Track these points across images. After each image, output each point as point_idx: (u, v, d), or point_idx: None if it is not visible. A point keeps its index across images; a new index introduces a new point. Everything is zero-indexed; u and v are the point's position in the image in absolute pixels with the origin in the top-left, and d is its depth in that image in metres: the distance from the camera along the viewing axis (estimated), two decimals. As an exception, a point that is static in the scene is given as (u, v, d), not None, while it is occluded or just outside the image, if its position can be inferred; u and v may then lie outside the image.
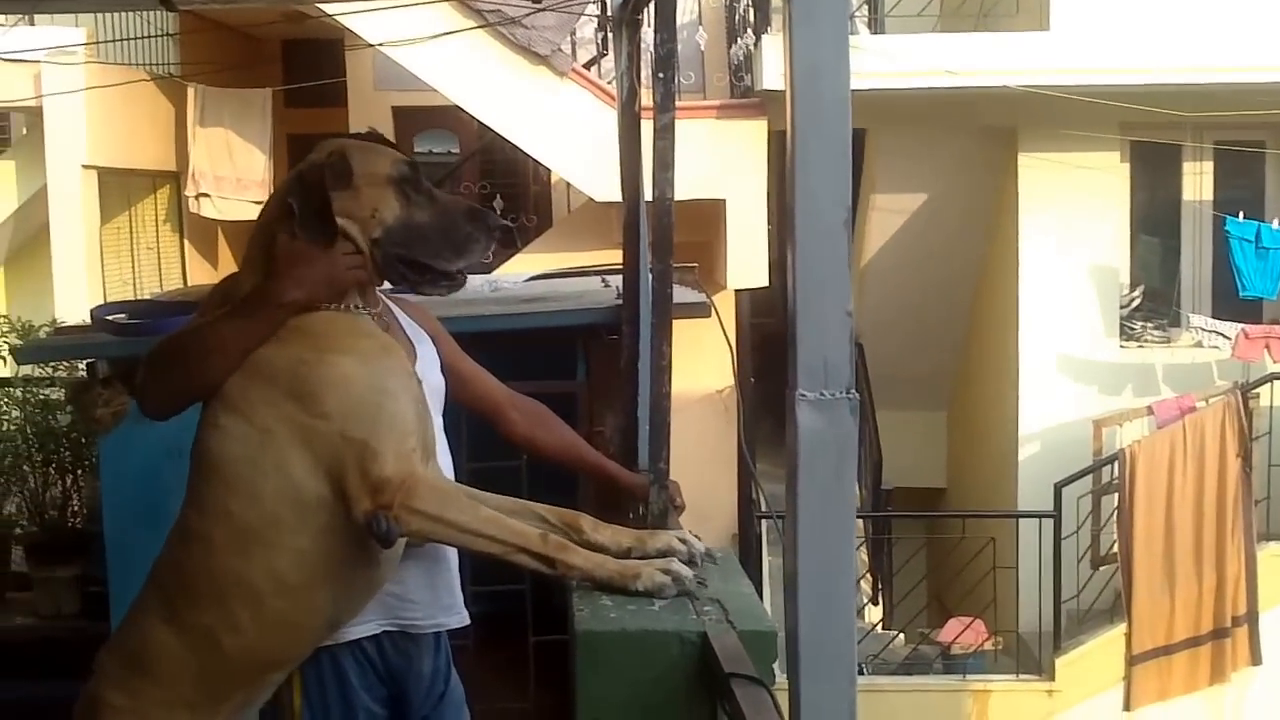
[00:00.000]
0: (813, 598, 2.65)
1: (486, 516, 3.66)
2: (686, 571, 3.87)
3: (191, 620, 3.65)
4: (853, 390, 2.60)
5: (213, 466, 3.64)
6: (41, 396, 7.71)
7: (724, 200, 12.14)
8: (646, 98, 5.16)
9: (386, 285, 3.94)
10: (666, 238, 4.74)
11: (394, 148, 3.98)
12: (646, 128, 5.21)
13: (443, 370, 4.15)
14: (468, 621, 4.06)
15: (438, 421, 3.99)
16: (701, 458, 10.24)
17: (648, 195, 5.07)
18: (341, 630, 3.80)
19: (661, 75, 4.74)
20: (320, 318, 3.68)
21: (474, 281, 6.02)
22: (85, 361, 6.70)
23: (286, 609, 3.62)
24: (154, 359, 3.75)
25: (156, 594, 3.74)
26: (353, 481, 3.50)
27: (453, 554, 4.00)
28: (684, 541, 4.04)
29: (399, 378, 3.67)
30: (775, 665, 3.83)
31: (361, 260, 3.73)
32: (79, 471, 7.64)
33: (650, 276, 5.44)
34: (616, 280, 6.94)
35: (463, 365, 4.35)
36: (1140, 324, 14.42)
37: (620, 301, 5.85)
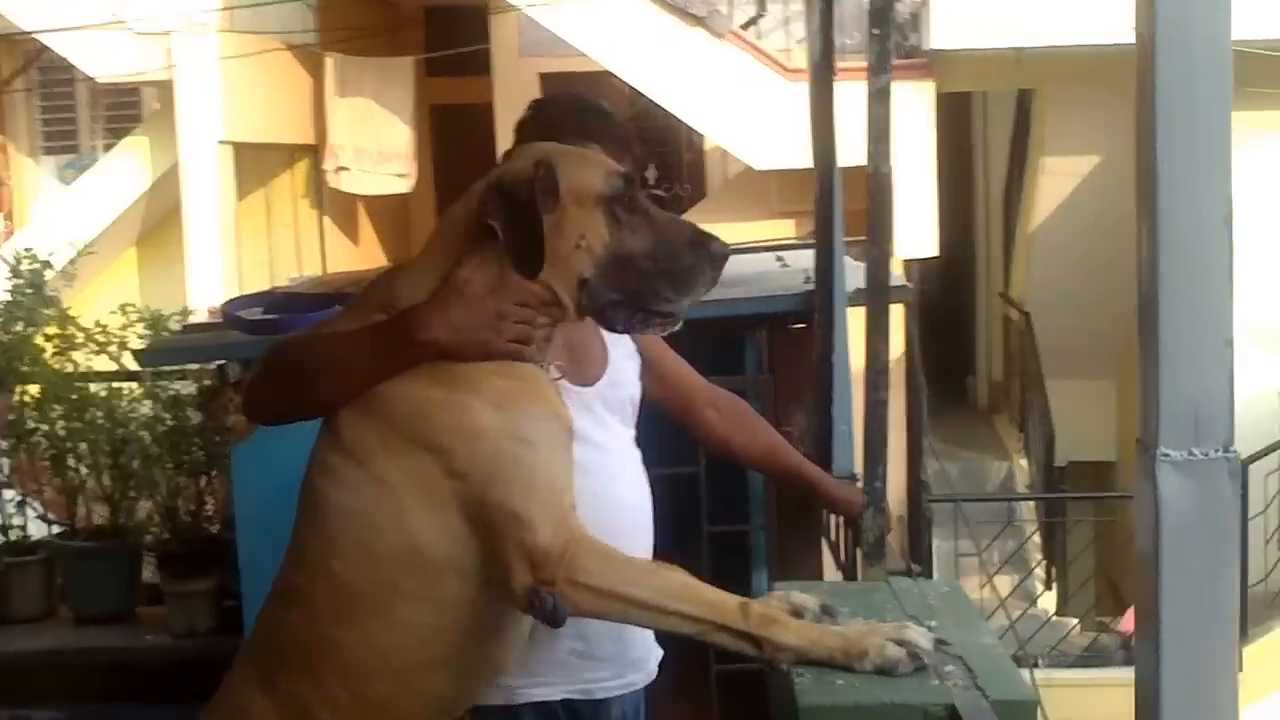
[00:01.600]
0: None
1: (672, 588, 2.99)
2: (926, 642, 3.09)
3: (287, 689, 3.13)
4: (1231, 447, 1.90)
5: (319, 514, 3.11)
6: (172, 392, 7.14)
7: (891, 167, 11.57)
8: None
9: None
10: (884, 220, 4.10)
11: (612, 123, 3.57)
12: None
13: (641, 374, 3.70)
14: (654, 675, 3.65)
15: (629, 434, 3.63)
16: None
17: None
18: (519, 690, 3.35)
19: (877, 31, 4.07)
20: None
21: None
22: (216, 363, 6.24)
23: (393, 694, 3.08)
24: (267, 360, 3.24)
25: (254, 654, 3.25)
26: (508, 552, 2.92)
27: None
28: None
29: (541, 423, 3.06)
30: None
31: (532, 329, 3.11)
32: (213, 473, 7.05)
33: (844, 260, 5.03)
34: (793, 258, 6.48)
35: (665, 361, 3.93)
36: (1332, 288, 13.58)
37: (811, 286, 5.27)
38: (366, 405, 3.05)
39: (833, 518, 5.11)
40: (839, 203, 5.06)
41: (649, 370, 3.76)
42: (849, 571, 5.59)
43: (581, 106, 3.72)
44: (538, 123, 3.64)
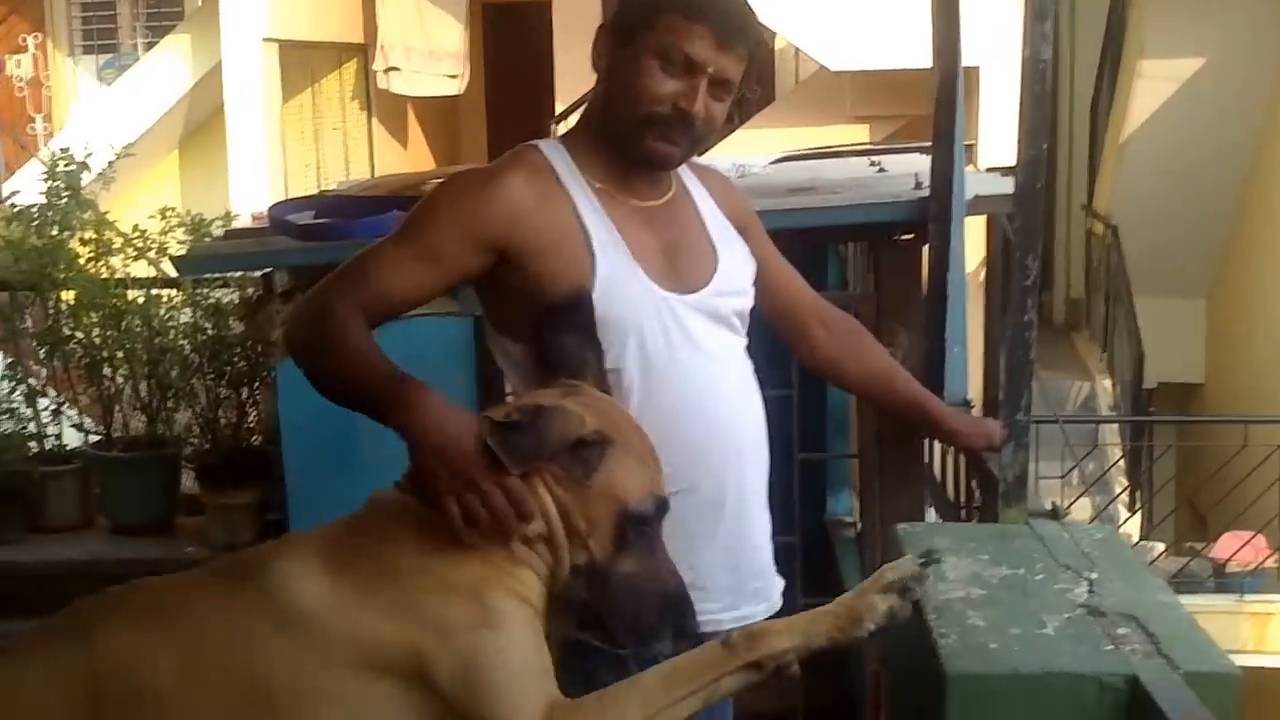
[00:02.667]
0: None
1: (655, 687, 2.65)
2: (910, 568, 2.72)
3: None
4: None
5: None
6: (213, 300, 7.07)
7: (978, 66, 11.04)
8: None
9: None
10: (1043, 115, 3.54)
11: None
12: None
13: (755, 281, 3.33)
14: (779, 605, 3.30)
15: (737, 342, 3.26)
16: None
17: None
18: None
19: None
20: None
21: (719, 164, 5.05)
22: (261, 272, 5.92)
23: None
24: (314, 316, 3.00)
25: None
26: None
27: (760, 527, 3.29)
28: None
29: (509, 601, 2.68)
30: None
31: (509, 533, 2.68)
32: (255, 384, 6.99)
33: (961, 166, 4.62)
34: (889, 162, 6.06)
35: (775, 269, 3.49)
36: None
37: (923, 193, 4.78)
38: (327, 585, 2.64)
39: (938, 452, 4.65)
40: (961, 101, 4.64)
41: (758, 278, 3.33)
42: (955, 512, 5.14)
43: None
44: None
